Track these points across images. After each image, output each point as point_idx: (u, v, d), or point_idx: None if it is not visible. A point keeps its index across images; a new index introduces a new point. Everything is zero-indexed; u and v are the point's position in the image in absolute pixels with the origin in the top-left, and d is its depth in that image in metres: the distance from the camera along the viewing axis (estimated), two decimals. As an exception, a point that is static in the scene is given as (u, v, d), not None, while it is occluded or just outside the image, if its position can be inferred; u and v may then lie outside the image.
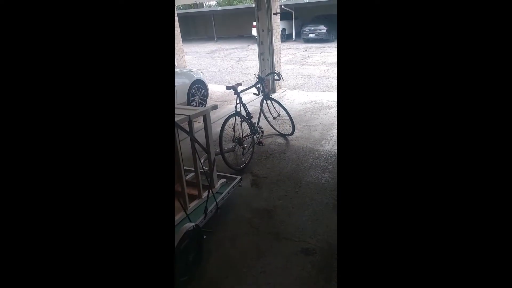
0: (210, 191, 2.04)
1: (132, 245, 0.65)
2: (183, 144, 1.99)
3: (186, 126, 1.90)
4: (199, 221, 1.90)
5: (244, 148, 3.06)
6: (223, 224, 2.21)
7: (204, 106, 4.74)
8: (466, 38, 0.60)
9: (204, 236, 1.83)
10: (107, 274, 0.63)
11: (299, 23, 15.08)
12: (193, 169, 2.29)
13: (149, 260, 0.66)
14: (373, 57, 0.65)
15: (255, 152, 3.28)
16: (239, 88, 3.03)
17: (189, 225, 1.69)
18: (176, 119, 1.80)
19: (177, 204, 1.97)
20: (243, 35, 17.94)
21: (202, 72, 5.07)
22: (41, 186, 0.61)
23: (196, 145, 1.98)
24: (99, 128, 0.64)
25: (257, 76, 3.39)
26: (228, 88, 2.95)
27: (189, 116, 1.89)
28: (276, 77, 3.69)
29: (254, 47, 12.88)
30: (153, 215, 0.67)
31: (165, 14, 0.67)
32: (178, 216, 1.94)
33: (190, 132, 1.92)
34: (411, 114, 0.64)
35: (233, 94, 3.03)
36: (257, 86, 3.38)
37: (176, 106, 2.19)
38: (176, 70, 4.67)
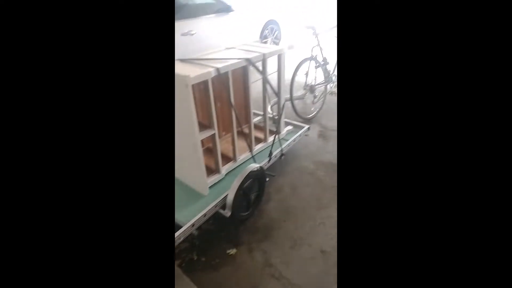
0: (276, 136, 1.99)
1: (131, 242, 0.64)
2: (254, 86, 1.91)
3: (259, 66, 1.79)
4: (263, 164, 1.90)
5: (315, 97, 2.86)
6: (286, 171, 2.19)
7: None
8: (467, 38, 0.60)
9: (267, 179, 1.84)
10: (106, 273, 0.62)
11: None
12: (261, 112, 2.24)
13: (149, 258, 0.65)
14: (373, 57, 0.65)
15: (326, 102, 3.05)
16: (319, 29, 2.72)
17: (254, 165, 1.70)
18: (250, 56, 1.70)
19: (243, 144, 1.99)
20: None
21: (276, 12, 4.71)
22: (37, 180, 0.60)
23: (267, 88, 1.88)
24: (99, 125, 0.63)
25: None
26: (307, 27, 2.67)
27: (264, 54, 1.77)
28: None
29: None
30: (152, 211, 0.66)
31: (166, 12, 0.66)
32: (243, 155, 1.97)
33: (263, 72, 1.82)
34: (413, 113, 0.64)
35: (311, 35, 2.74)
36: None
37: (250, 43, 2.08)
38: (246, 10, 4.41)
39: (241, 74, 1.97)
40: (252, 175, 1.67)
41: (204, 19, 3.60)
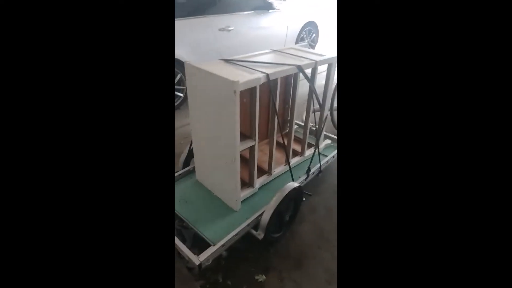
0: (316, 150, 1.81)
1: (130, 242, 0.63)
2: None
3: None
4: (300, 181, 1.73)
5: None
6: (320, 190, 2.01)
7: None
8: (468, 38, 0.58)
9: (304, 199, 1.68)
10: (105, 273, 0.61)
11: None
12: (301, 123, 2.07)
13: (149, 258, 0.63)
14: (373, 57, 0.64)
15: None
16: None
17: (293, 184, 1.54)
18: (301, 62, 1.53)
19: (277, 156, 1.83)
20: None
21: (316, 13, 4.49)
22: (37, 183, 0.59)
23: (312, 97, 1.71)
24: (97, 125, 0.62)
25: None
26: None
27: (316, 62, 1.59)
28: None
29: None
30: (152, 213, 0.64)
31: (165, 12, 0.66)
32: (279, 169, 1.81)
33: (312, 81, 1.64)
34: (413, 113, 0.62)
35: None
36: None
37: (296, 47, 1.90)
38: (285, 9, 4.22)
39: (286, 81, 1.80)
40: (290, 194, 1.51)
41: (242, 15, 3.46)
